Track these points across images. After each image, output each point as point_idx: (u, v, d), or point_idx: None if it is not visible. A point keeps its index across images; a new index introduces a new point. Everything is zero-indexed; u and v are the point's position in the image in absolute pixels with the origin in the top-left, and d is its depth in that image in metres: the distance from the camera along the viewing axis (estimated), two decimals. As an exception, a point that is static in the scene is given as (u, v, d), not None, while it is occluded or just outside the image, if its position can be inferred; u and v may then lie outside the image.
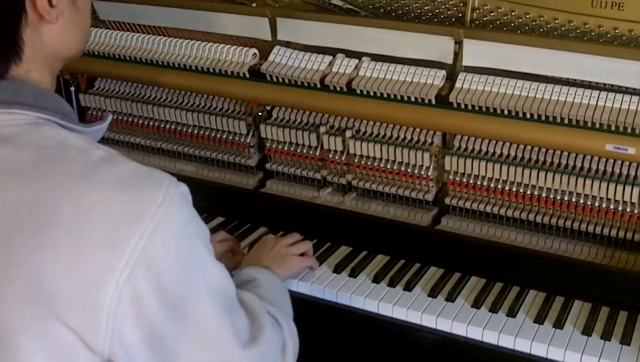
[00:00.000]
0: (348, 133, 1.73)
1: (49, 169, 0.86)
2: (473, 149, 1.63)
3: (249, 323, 1.00)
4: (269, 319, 1.05)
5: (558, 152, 1.56)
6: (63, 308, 0.81)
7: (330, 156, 1.77)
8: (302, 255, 1.55)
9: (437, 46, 1.64)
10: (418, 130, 1.68)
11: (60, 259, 0.81)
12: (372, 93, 1.68)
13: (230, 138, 1.90)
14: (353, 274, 1.59)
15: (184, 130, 1.95)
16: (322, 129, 1.76)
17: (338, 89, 1.71)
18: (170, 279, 0.85)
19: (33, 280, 0.81)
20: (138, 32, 1.99)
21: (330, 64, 1.73)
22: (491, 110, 1.58)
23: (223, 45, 1.85)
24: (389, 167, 1.71)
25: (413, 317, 1.48)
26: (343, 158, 1.76)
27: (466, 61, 1.63)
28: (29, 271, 0.81)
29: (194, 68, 1.87)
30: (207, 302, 0.90)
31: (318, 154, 1.79)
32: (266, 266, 1.40)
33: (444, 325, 1.45)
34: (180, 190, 0.88)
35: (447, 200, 1.69)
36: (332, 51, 1.75)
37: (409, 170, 1.70)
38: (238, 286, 1.28)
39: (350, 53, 1.74)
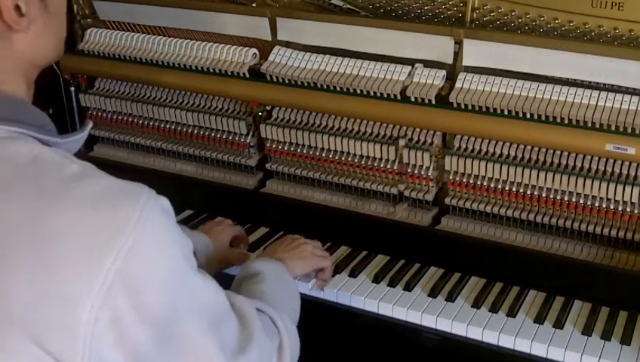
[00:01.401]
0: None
1: (22, 186, 0.82)
2: (473, 149, 1.63)
3: (240, 329, 0.97)
4: (260, 323, 1.02)
5: (558, 152, 1.56)
6: (38, 329, 0.79)
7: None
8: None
9: (437, 46, 1.64)
10: (418, 130, 1.68)
11: (34, 280, 0.79)
12: (372, 93, 1.68)
13: (230, 138, 1.90)
14: (353, 274, 1.59)
15: (184, 130, 1.95)
16: (326, 134, 1.76)
17: (338, 89, 1.71)
18: (151, 298, 0.82)
19: (8, 301, 0.79)
20: (138, 32, 1.99)
21: (326, 64, 1.73)
22: (491, 110, 1.58)
23: (223, 45, 1.85)
24: (389, 167, 1.71)
25: (413, 317, 1.48)
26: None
27: (466, 61, 1.63)
28: (4, 293, 0.79)
29: (194, 68, 1.87)
30: (190, 318, 0.87)
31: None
32: (280, 258, 1.38)
33: (444, 325, 1.45)
34: (159, 203, 0.85)
35: (447, 200, 1.69)
36: (332, 51, 1.75)
37: (409, 170, 1.70)
38: (241, 279, 1.27)
39: (350, 54, 1.74)
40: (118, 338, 0.81)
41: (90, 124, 0.99)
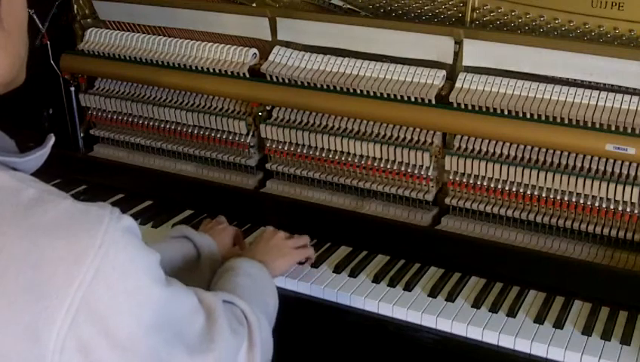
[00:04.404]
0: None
1: None
2: (473, 149, 1.63)
3: (207, 326, 0.95)
4: (227, 319, 1.00)
5: (558, 152, 1.56)
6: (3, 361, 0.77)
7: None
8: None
9: (437, 46, 1.64)
10: (418, 130, 1.68)
11: None
12: (372, 93, 1.68)
13: (230, 138, 1.90)
14: (353, 274, 1.59)
15: (184, 130, 1.95)
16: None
17: (338, 89, 1.71)
18: (117, 322, 0.80)
19: None
20: (138, 32, 1.99)
21: (326, 64, 1.74)
22: (491, 110, 1.58)
23: (223, 45, 1.85)
24: (389, 167, 1.71)
25: (413, 317, 1.47)
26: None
27: (466, 61, 1.63)
28: None
29: (194, 68, 1.87)
30: (156, 333, 0.85)
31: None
32: (260, 259, 1.38)
33: (444, 325, 1.45)
34: (122, 224, 0.82)
35: (447, 200, 1.69)
36: (332, 51, 1.75)
37: (409, 170, 1.70)
38: (220, 274, 1.28)
39: (350, 53, 1.74)
40: None
41: (52, 140, 0.94)
